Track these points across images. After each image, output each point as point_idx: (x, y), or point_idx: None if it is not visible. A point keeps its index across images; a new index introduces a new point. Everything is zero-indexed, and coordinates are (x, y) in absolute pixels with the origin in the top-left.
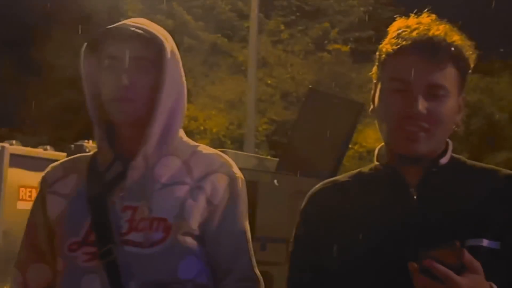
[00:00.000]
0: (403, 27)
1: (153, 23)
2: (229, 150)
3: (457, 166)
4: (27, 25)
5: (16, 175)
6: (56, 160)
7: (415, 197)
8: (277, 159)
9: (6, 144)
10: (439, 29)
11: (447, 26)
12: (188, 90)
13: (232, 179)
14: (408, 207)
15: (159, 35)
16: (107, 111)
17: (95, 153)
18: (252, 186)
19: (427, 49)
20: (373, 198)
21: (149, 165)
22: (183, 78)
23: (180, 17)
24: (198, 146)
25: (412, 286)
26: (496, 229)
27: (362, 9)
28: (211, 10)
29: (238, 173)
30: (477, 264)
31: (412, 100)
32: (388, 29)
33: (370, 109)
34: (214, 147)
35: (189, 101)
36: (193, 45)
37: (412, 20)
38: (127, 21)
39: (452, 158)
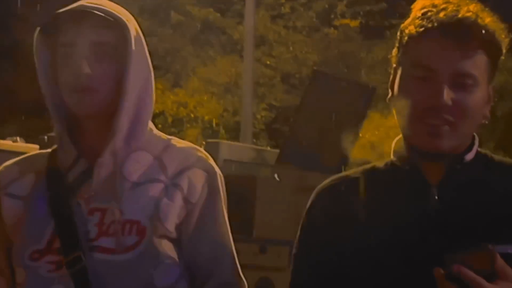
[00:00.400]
0: (429, 6)
1: (112, 3)
2: (223, 141)
3: (484, 162)
4: None
5: None
6: (27, 153)
7: (436, 197)
8: (278, 150)
9: None
10: (470, 9)
11: (479, 6)
12: (177, 73)
13: (210, 174)
14: (428, 208)
15: (121, 16)
16: (67, 103)
17: (54, 150)
18: (249, 181)
19: (455, 32)
20: (389, 197)
21: (117, 162)
22: (150, 63)
23: None
24: (171, 139)
25: None
26: None
27: None
28: None
29: (216, 168)
30: (510, 271)
31: (437, 90)
32: (412, 6)
33: (388, 97)
34: (207, 137)
35: (178, 85)
36: (182, 21)
37: (458, 2)
38: (85, 2)
39: (478, 153)
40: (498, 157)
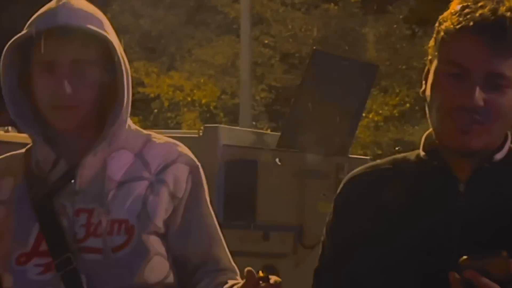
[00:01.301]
0: (469, 2)
1: (87, 3)
2: (222, 126)
3: None
4: None
5: None
6: (20, 144)
7: (463, 194)
8: (279, 133)
9: None
10: (509, 7)
11: None
12: (171, 55)
13: (192, 168)
14: (454, 205)
15: (101, 32)
16: (45, 116)
17: (28, 152)
18: (250, 165)
19: (492, 32)
20: (417, 190)
21: (100, 162)
22: (127, 63)
23: None
24: (149, 135)
25: None
26: None
27: None
28: None
29: (196, 161)
30: None
31: (469, 90)
32: (454, 1)
33: (422, 89)
34: (205, 121)
35: (173, 68)
36: (175, 1)
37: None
38: (57, 6)
39: (510, 152)
40: None
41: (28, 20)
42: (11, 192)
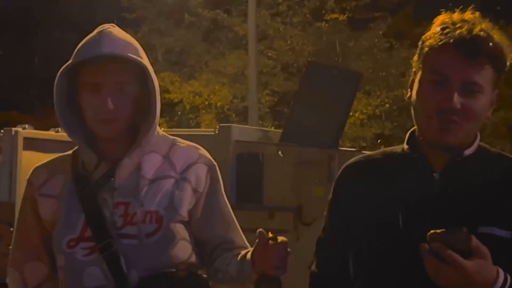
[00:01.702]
0: (448, 23)
1: (124, 33)
2: (234, 125)
3: (482, 155)
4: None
5: (30, 157)
6: (67, 142)
7: (438, 181)
8: (281, 130)
9: (19, 129)
10: (482, 28)
11: (490, 25)
12: (191, 67)
13: (210, 167)
14: (430, 190)
15: (134, 56)
16: (91, 128)
17: (75, 154)
18: (257, 157)
19: (468, 48)
20: (400, 177)
21: (135, 164)
22: (157, 82)
23: None
24: (174, 139)
25: (419, 275)
26: (507, 218)
27: None
28: None
29: (213, 161)
30: (485, 250)
31: (449, 95)
32: (434, 20)
33: (407, 95)
34: (220, 121)
35: (192, 77)
36: (194, 22)
37: (457, 16)
38: (99, 37)
39: (478, 148)
40: (495, 150)
41: (65, 43)
42: (61, 188)
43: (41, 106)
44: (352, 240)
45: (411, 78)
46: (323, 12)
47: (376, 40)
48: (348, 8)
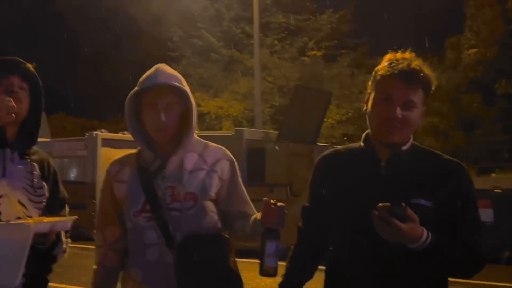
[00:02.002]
0: (394, 59)
1: (172, 69)
2: (245, 128)
3: (414, 150)
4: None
5: (106, 152)
6: (131, 141)
7: (384, 169)
8: (277, 132)
9: (98, 132)
10: (417, 63)
11: (421, 62)
12: (216, 88)
13: (231, 162)
14: (378, 174)
15: (180, 85)
16: (149, 134)
17: (138, 153)
18: (262, 150)
19: (408, 77)
20: (357, 165)
21: (179, 159)
22: (193, 101)
23: (207, 39)
24: (207, 143)
25: (377, 238)
26: (430, 193)
27: (329, 26)
28: (228, 33)
29: (233, 158)
30: (415, 217)
31: (393, 109)
32: (384, 57)
33: (364, 108)
34: (235, 126)
35: (216, 96)
36: (217, 58)
37: (399, 55)
38: (156, 72)
39: (412, 145)
40: (423, 147)
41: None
42: (129, 176)
43: (113, 117)
44: (325, 208)
45: (367, 96)
46: (306, 50)
47: (342, 69)
48: (323, 47)
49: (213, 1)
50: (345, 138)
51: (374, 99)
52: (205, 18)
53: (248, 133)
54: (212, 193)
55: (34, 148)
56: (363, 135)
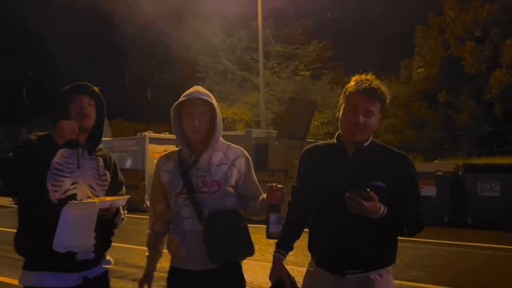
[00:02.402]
0: (359, 80)
1: (205, 89)
2: (253, 129)
3: (373, 146)
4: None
5: (152, 147)
6: (171, 139)
7: (351, 159)
8: (277, 132)
9: (146, 133)
10: (376, 83)
11: (379, 82)
12: (232, 100)
13: (247, 159)
14: (347, 164)
15: (210, 100)
16: (187, 135)
17: (179, 150)
18: (265, 145)
19: (369, 93)
20: (331, 157)
21: (208, 156)
22: (219, 111)
23: (225, 64)
24: (229, 144)
25: (346, 211)
26: (385, 177)
27: (314, 53)
28: (240, 59)
29: (248, 156)
30: (376, 197)
31: (358, 116)
32: (353, 78)
33: (337, 116)
34: (246, 127)
35: (232, 105)
36: (232, 78)
37: (363, 77)
38: (194, 90)
39: (371, 142)
40: (380, 143)
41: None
42: (172, 167)
43: (156, 121)
44: (308, 187)
45: (339, 106)
46: (297, 71)
47: (324, 84)
48: (310, 68)
49: (228, 36)
50: (327, 135)
51: (344, 108)
52: (223, 49)
53: (256, 132)
54: (232, 182)
55: (100, 146)
56: (336, 134)
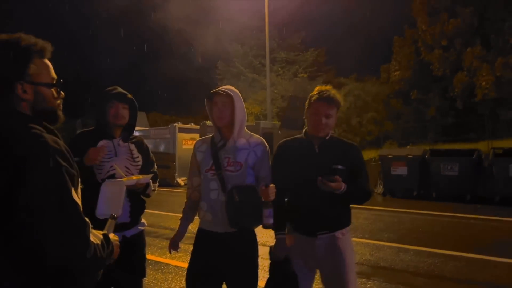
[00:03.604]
0: (321, 90)
1: (232, 87)
2: (261, 121)
3: (332, 139)
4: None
5: (181, 135)
6: (196, 129)
7: (317, 151)
8: (280, 123)
9: (176, 124)
10: (333, 92)
11: (336, 91)
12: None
13: (265, 147)
14: (314, 154)
15: (231, 92)
16: (214, 122)
17: (212, 136)
18: (271, 134)
19: (329, 100)
20: (300, 149)
21: (234, 141)
22: (243, 105)
23: (238, 68)
24: (252, 134)
25: (315, 189)
26: (342, 162)
27: (311, 58)
28: (251, 64)
29: (266, 145)
30: (340, 179)
31: (320, 118)
32: (315, 88)
33: (304, 117)
34: (256, 119)
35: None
36: (245, 79)
37: (324, 87)
38: (221, 88)
39: (331, 136)
40: (337, 137)
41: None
42: (205, 149)
43: (185, 113)
44: (284, 174)
45: (306, 110)
46: (297, 73)
47: (318, 85)
48: (307, 71)
49: (242, 45)
50: None
51: (309, 112)
52: (237, 55)
53: (263, 124)
54: (251, 164)
55: (136, 134)
56: (304, 130)
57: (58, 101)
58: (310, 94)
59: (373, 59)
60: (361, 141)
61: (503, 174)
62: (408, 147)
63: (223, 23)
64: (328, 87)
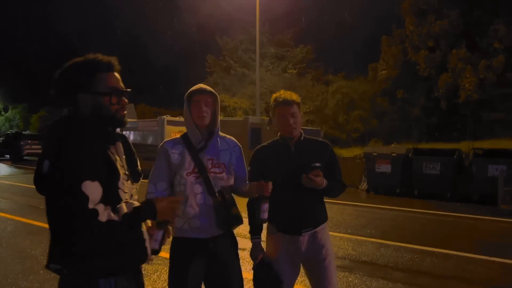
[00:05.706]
0: (278, 95)
1: (207, 86)
2: (250, 116)
3: (306, 139)
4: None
5: (169, 128)
6: (183, 122)
7: (293, 151)
8: (268, 118)
9: (164, 116)
10: (293, 95)
11: (296, 95)
12: (233, 91)
13: (240, 147)
14: (291, 152)
15: (213, 90)
16: (195, 121)
17: (184, 135)
18: (259, 129)
19: (287, 102)
20: (277, 151)
21: (215, 142)
22: (219, 102)
23: (228, 62)
24: (225, 135)
25: (296, 187)
26: (318, 159)
27: (300, 55)
28: (241, 59)
29: (240, 145)
30: (321, 174)
31: (288, 120)
32: (273, 95)
33: (269, 119)
34: (245, 114)
35: (234, 96)
36: (235, 73)
37: (283, 92)
38: (201, 86)
39: (304, 137)
40: (309, 136)
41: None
42: (181, 150)
43: (171, 106)
44: (264, 174)
45: (271, 113)
46: (286, 69)
47: (307, 81)
48: (296, 68)
49: (232, 39)
50: (308, 122)
51: (276, 119)
52: (227, 49)
53: (252, 119)
54: (233, 164)
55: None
56: (278, 134)
57: (117, 107)
58: (269, 104)
59: (361, 58)
60: (347, 138)
61: (482, 174)
62: (393, 145)
63: (213, 17)
64: (281, 91)
